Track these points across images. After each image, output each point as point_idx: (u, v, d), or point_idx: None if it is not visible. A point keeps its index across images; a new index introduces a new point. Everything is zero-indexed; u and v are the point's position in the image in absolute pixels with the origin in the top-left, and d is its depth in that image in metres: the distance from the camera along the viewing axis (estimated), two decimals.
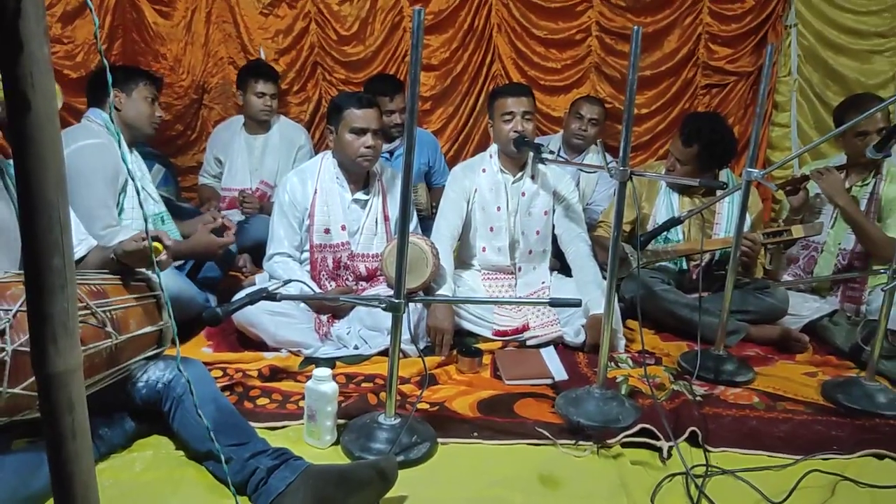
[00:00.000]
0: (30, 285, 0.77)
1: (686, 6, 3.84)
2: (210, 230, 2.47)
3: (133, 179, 1.81)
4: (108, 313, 1.64)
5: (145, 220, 1.14)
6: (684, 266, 2.99)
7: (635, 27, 1.90)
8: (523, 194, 2.78)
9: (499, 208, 2.78)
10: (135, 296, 1.76)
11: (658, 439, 1.89)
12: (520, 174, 2.79)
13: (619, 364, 2.49)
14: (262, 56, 3.86)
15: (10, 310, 1.48)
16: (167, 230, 2.52)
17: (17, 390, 1.45)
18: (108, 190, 2.44)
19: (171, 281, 2.33)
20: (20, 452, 1.58)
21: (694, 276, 2.89)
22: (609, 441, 1.90)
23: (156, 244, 1.71)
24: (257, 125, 3.59)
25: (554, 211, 2.84)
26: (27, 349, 1.45)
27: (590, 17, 3.90)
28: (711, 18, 3.85)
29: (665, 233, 2.85)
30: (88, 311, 1.58)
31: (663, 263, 2.98)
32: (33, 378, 1.45)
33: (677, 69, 3.94)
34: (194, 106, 3.95)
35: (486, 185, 2.79)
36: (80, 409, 0.84)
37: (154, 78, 2.70)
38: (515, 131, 2.66)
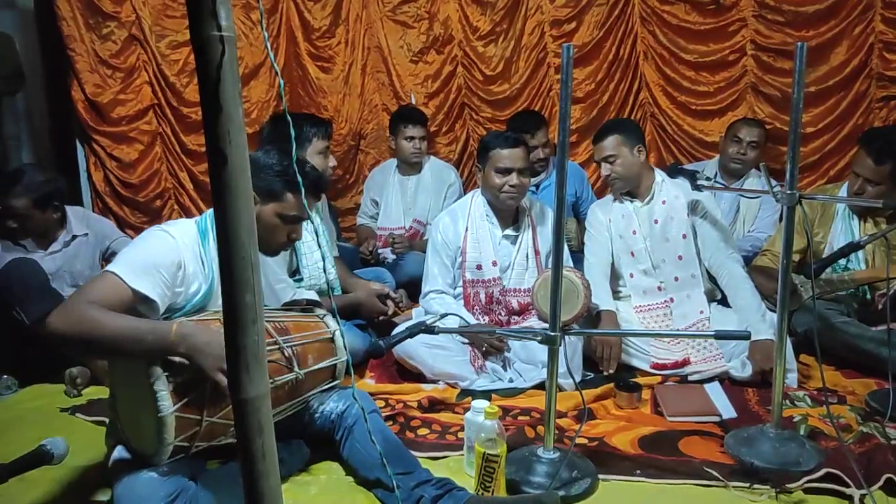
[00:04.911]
0: (226, 319, 0.86)
1: (855, 15, 3.55)
2: (376, 295, 2.68)
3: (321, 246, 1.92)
4: (291, 349, 1.77)
5: (329, 287, 1.23)
6: (867, 296, 2.71)
7: (799, 43, 1.80)
8: (655, 221, 2.70)
9: (634, 232, 2.75)
10: (312, 332, 1.87)
11: (847, 486, 1.71)
12: (647, 200, 2.73)
13: (796, 402, 2.30)
14: (413, 101, 4.05)
15: None
16: (334, 291, 2.73)
17: (214, 419, 1.60)
18: (279, 263, 2.51)
19: (348, 334, 2.44)
20: (220, 470, 1.74)
21: (880, 307, 2.61)
22: (789, 485, 1.75)
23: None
24: (409, 167, 3.76)
25: (695, 233, 2.71)
26: None
27: (744, 36, 3.72)
28: (885, 25, 3.52)
29: (843, 260, 2.61)
30: (276, 347, 1.71)
31: (841, 293, 2.72)
32: (228, 408, 1.62)
33: (847, 83, 3.63)
34: (352, 152, 4.21)
35: (619, 213, 2.78)
36: (268, 432, 0.91)
37: (325, 124, 2.74)
38: (606, 175, 2.71)
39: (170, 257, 1.67)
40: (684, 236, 2.70)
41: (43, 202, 2.69)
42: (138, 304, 1.63)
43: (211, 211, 1.84)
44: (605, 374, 2.42)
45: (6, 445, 2.05)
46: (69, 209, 2.90)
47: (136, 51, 3.83)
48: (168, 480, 1.59)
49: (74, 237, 2.84)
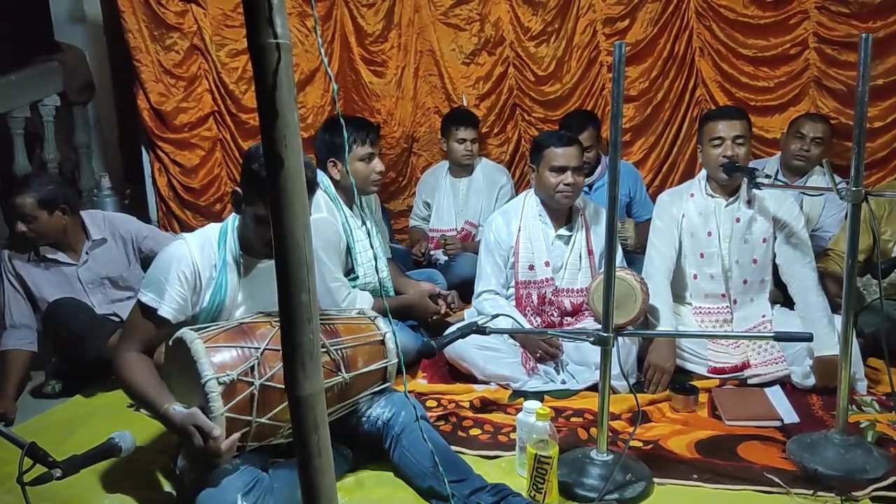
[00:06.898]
0: (282, 318, 0.89)
1: None
2: (427, 296, 2.71)
3: (373, 248, 1.98)
4: (340, 352, 1.79)
5: (380, 286, 1.25)
6: None
7: (863, 35, 1.74)
8: (738, 220, 2.61)
9: (710, 233, 2.64)
10: (363, 335, 1.87)
11: None
12: (733, 199, 2.64)
13: (863, 408, 2.21)
14: (465, 103, 4.06)
15: (259, 347, 1.67)
16: (387, 291, 2.73)
17: (263, 420, 1.64)
18: (336, 262, 2.55)
19: (400, 334, 2.47)
20: (292, 468, 1.78)
21: None
22: (856, 493, 1.69)
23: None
24: (461, 169, 3.78)
25: (775, 238, 2.62)
26: (272, 384, 1.64)
27: (806, 29, 3.60)
28: None
29: None
30: (324, 349, 1.74)
31: None
32: (277, 409, 1.66)
33: None
34: (404, 154, 4.26)
35: (695, 209, 2.67)
36: (323, 429, 0.93)
37: (366, 129, 2.57)
38: (725, 156, 2.53)
39: (181, 267, 1.78)
40: (764, 240, 2.61)
41: (48, 203, 2.66)
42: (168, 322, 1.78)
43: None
44: (652, 395, 2.37)
45: (79, 438, 2.15)
46: (85, 214, 2.88)
47: (197, 60, 3.97)
48: (243, 472, 1.65)
49: (94, 242, 2.82)
